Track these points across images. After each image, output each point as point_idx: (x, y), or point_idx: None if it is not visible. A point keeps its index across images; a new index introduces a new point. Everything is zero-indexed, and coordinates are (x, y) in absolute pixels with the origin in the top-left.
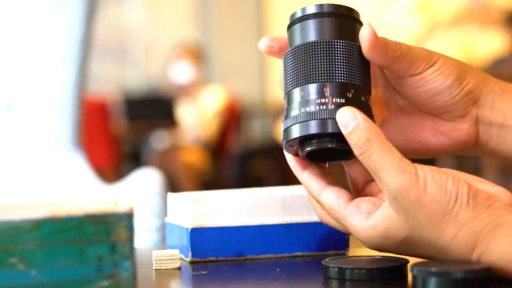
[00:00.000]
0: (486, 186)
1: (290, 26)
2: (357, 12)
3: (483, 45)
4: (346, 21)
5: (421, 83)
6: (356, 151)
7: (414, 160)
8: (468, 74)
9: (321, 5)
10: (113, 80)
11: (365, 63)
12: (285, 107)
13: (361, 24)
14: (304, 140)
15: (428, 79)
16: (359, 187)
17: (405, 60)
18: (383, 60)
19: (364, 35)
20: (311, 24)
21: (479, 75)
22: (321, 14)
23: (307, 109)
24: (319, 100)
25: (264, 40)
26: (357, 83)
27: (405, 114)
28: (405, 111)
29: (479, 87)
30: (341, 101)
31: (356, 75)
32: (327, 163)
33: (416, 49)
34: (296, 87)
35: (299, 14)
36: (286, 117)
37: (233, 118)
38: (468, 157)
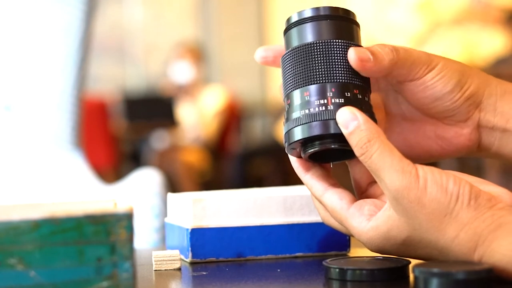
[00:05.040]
0: (488, 187)
1: (286, 31)
2: (353, 14)
3: (485, 44)
4: (343, 23)
5: (421, 88)
6: (356, 152)
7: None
8: (470, 77)
9: (317, 8)
10: (113, 80)
11: None
12: (286, 109)
13: (358, 25)
14: (306, 142)
15: (427, 84)
16: (363, 188)
17: (405, 66)
18: (380, 73)
19: (351, 62)
20: (308, 27)
21: (480, 77)
22: (317, 17)
23: (308, 110)
24: (320, 101)
25: (259, 51)
26: (357, 83)
27: (407, 120)
28: (407, 117)
29: (481, 90)
30: (341, 101)
31: (356, 74)
32: (331, 164)
33: (415, 53)
34: (296, 89)
35: (295, 18)
36: (287, 119)
37: (234, 117)
38: (470, 158)
